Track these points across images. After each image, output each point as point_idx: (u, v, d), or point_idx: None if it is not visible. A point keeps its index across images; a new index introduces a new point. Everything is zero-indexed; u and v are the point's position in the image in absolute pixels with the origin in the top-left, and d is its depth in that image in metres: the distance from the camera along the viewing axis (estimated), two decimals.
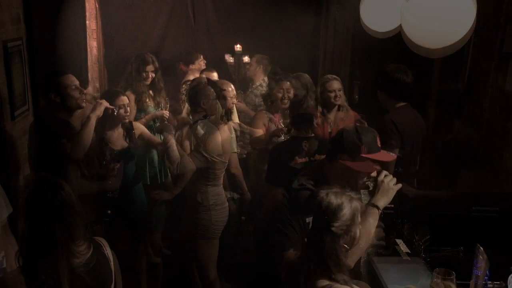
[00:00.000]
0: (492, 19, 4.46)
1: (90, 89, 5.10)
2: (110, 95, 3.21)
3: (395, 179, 2.07)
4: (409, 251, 2.27)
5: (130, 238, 3.43)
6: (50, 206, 1.67)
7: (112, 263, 1.89)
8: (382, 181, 2.04)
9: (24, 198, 1.73)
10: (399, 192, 2.67)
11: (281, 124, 3.85)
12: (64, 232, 1.68)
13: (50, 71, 2.97)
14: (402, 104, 3.22)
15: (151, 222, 4.04)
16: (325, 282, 1.67)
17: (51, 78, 2.85)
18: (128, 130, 3.29)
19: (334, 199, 1.70)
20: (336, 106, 3.85)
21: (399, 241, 2.24)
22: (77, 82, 2.89)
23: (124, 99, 3.22)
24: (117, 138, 3.26)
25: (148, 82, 4.02)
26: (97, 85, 5.42)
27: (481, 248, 1.83)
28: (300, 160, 3.16)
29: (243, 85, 5.15)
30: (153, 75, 4.03)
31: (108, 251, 1.89)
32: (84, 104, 2.91)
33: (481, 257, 1.84)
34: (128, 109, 3.23)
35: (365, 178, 2.13)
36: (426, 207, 2.65)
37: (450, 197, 3.00)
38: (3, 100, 2.72)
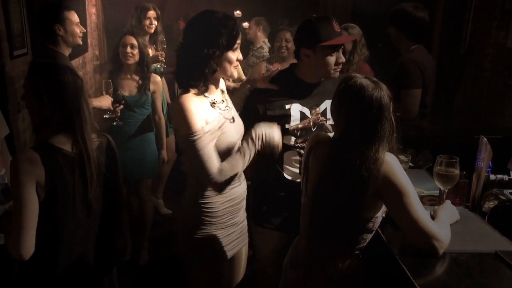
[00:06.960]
0: None
1: (89, 55, 5.08)
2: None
3: None
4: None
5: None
6: (65, 83, 1.67)
7: (117, 155, 1.93)
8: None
9: (36, 78, 1.70)
10: (400, 117, 2.67)
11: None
12: (82, 107, 1.71)
13: (53, 3, 2.90)
14: (416, 45, 3.10)
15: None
16: None
17: (57, 10, 2.78)
18: (143, 79, 3.29)
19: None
20: None
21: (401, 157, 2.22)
22: (78, 19, 2.86)
23: (131, 39, 3.22)
24: (128, 84, 3.25)
25: (152, 31, 3.95)
26: (97, 52, 5.39)
27: (485, 139, 1.78)
28: None
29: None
30: (156, 22, 3.97)
31: (114, 145, 1.93)
32: (81, 42, 2.88)
33: (484, 147, 1.80)
34: (136, 51, 3.20)
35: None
36: (429, 133, 2.61)
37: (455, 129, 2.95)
38: (1, 36, 2.69)
